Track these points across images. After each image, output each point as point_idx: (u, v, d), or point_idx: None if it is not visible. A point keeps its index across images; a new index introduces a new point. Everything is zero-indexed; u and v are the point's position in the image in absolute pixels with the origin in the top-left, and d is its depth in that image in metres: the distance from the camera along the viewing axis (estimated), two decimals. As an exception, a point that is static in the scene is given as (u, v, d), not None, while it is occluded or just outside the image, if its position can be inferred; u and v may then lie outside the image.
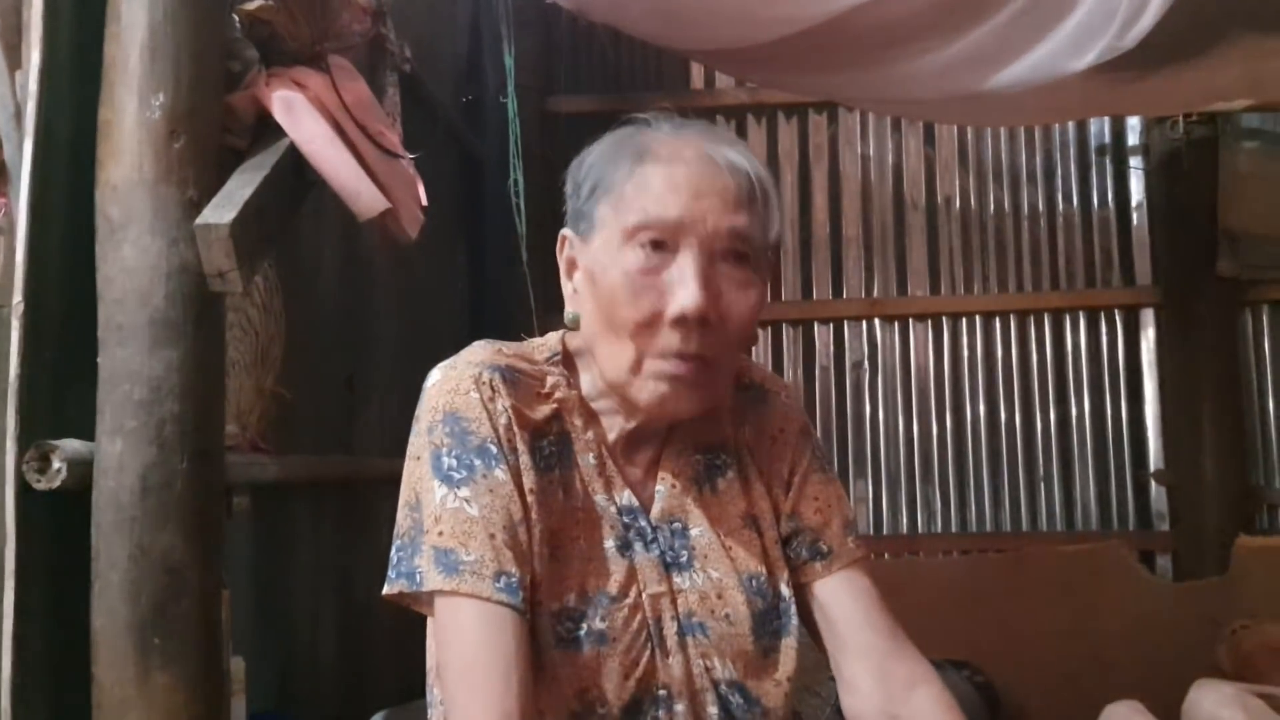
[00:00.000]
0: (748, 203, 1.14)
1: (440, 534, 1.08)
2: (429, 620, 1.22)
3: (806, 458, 1.30)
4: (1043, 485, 4.42)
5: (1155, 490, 4.39)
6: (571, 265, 1.22)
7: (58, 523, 1.68)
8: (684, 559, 1.19)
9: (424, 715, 2.99)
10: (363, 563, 3.01)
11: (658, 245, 1.11)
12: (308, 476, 2.57)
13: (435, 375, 1.17)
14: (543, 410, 1.18)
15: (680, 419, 1.20)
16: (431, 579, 1.07)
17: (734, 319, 1.13)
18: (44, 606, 1.67)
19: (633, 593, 1.15)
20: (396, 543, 1.13)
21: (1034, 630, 3.80)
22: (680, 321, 1.10)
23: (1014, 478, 4.44)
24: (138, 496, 1.63)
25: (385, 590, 1.12)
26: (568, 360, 1.23)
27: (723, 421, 1.28)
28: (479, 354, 1.17)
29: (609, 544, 1.17)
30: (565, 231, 1.23)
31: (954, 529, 4.44)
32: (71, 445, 1.66)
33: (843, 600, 1.24)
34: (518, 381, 1.16)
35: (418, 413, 1.16)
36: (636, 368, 1.13)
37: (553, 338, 1.25)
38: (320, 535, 2.82)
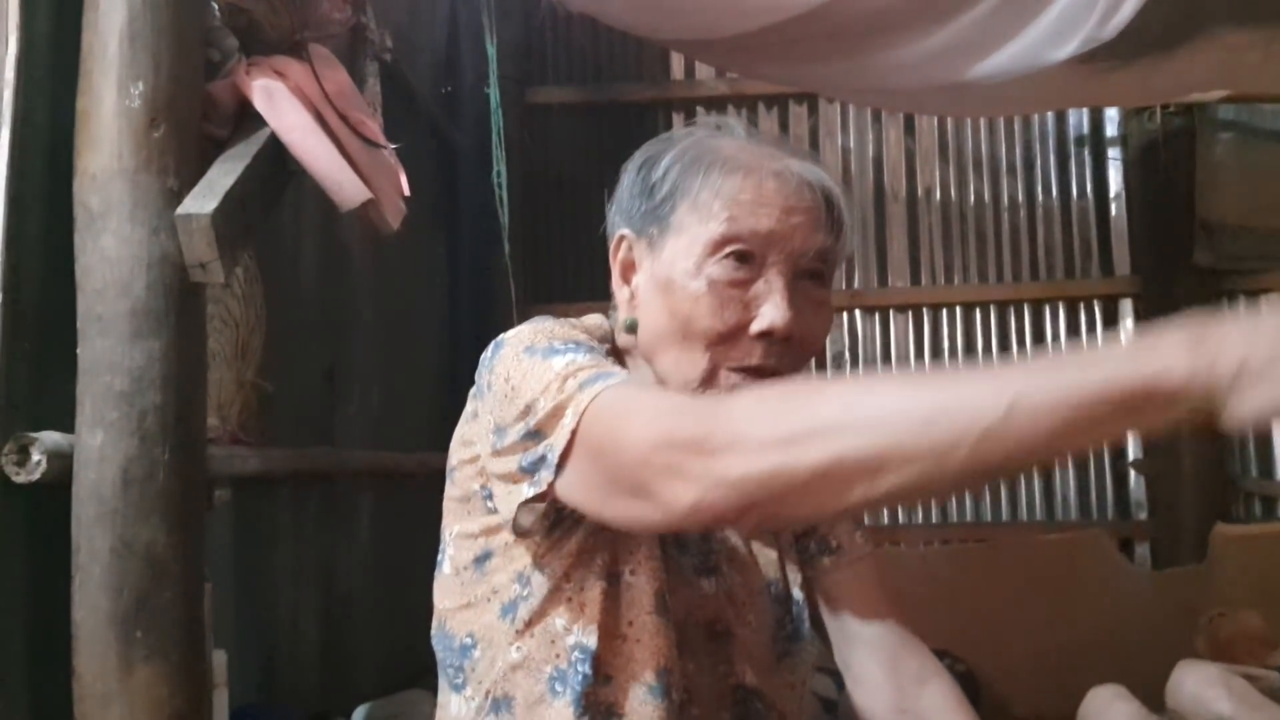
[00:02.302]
0: (832, 224, 1.12)
1: (579, 371, 1.00)
2: (438, 584, 1.20)
3: None
4: (1022, 476, 4.45)
5: (1134, 480, 4.43)
6: (628, 268, 1.17)
7: (37, 516, 1.67)
8: (711, 563, 1.19)
9: (405, 707, 2.98)
10: (344, 554, 3.00)
11: (745, 258, 1.09)
12: (289, 469, 2.56)
13: (507, 336, 1.10)
14: None
15: None
16: (590, 390, 0.97)
17: (812, 338, 1.12)
18: (23, 600, 1.65)
19: (662, 595, 1.13)
20: (523, 451, 1.01)
21: (1014, 619, 3.82)
22: (764, 336, 1.08)
23: (994, 468, 4.46)
24: (119, 489, 1.61)
25: (529, 494, 1.01)
26: (614, 350, 1.19)
27: None
28: (545, 320, 1.12)
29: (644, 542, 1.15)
30: (624, 232, 1.17)
31: (935, 520, 4.47)
32: (51, 437, 1.64)
33: (852, 595, 1.24)
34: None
35: (490, 367, 1.08)
36: (709, 379, 1.10)
37: (601, 323, 1.21)
38: (301, 528, 2.81)
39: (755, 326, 1.08)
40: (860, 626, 1.23)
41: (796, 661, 1.20)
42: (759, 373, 1.09)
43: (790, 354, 1.10)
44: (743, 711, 1.15)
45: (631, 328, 1.16)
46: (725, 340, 1.09)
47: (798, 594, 1.23)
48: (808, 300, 1.11)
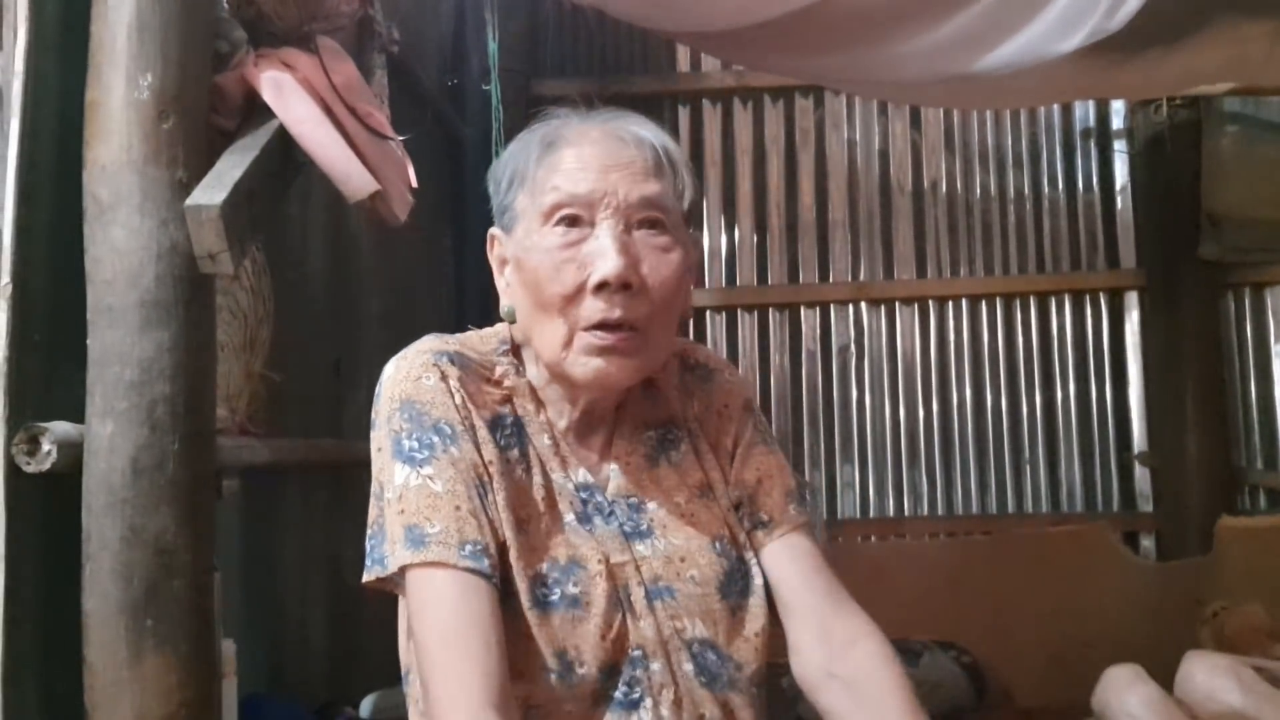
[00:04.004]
0: (656, 171, 1.19)
1: (403, 512, 1.12)
2: (401, 611, 1.26)
3: (749, 431, 1.33)
4: (1028, 468, 4.45)
5: (1139, 472, 4.43)
6: (502, 261, 1.27)
7: (48, 505, 1.67)
8: (644, 528, 1.23)
9: (414, 697, 2.98)
10: (351, 545, 2.99)
11: (575, 221, 1.17)
12: (297, 459, 2.57)
13: (389, 368, 1.21)
14: (494, 394, 1.22)
15: (616, 390, 1.24)
16: (399, 556, 1.11)
17: (657, 284, 1.17)
18: (34, 589, 1.66)
19: (599, 561, 1.18)
20: (369, 531, 1.18)
21: (1019, 611, 3.83)
22: (602, 288, 1.14)
23: (999, 460, 4.47)
24: (129, 478, 1.62)
25: (364, 578, 1.17)
26: (515, 350, 1.27)
27: (671, 399, 1.32)
28: (429, 343, 1.22)
29: (569, 518, 1.21)
30: (492, 231, 1.28)
31: (940, 512, 4.47)
32: (61, 427, 1.65)
33: (783, 565, 1.26)
34: (468, 367, 1.21)
35: (376, 406, 1.20)
36: (568, 343, 1.17)
37: (501, 328, 1.29)
38: (309, 518, 2.82)
39: (591, 280, 1.15)
40: (793, 596, 1.25)
41: (749, 616, 1.22)
42: (605, 326, 1.15)
43: (637, 302, 1.16)
44: (701, 663, 1.19)
45: (510, 315, 1.25)
46: (571, 302, 1.16)
47: (747, 554, 1.26)
48: (647, 248, 1.18)
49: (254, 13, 1.89)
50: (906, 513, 4.48)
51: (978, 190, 4.58)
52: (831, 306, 4.55)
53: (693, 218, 1.24)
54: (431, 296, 3.96)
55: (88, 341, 1.67)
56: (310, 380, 2.82)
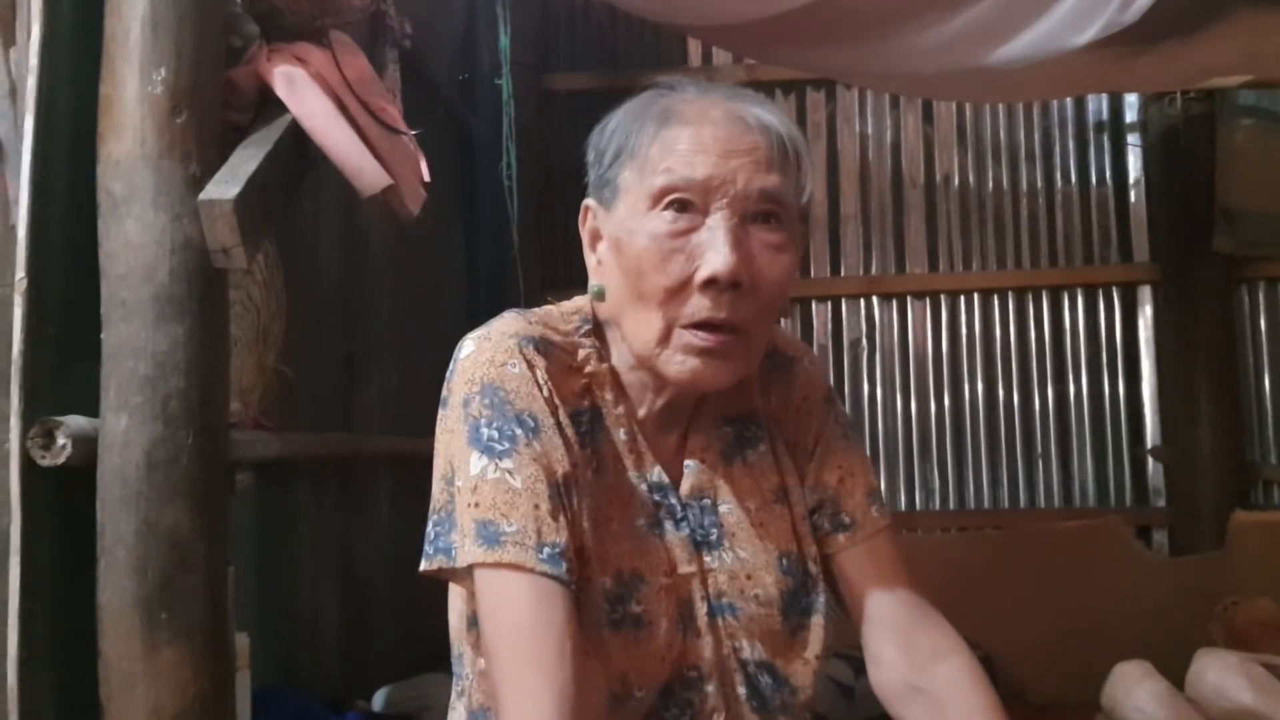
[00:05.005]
0: (779, 162, 1.10)
1: (476, 505, 1.04)
2: (450, 592, 1.22)
3: (830, 425, 1.26)
4: (1040, 462, 4.44)
5: (1152, 466, 4.41)
6: (595, 236, 1.17)
7: (63, 499, 1.68)
8: (713, 537, 1.16)
9: (426, 690, 3.01)
10: (364, 539, 3.02)
11: (686, 207, 1.07)
12: (309, 453, 2.58)
13: (468, 346, 1.12)
14: (576, 383, 1.14)
15: (710, 392, 1.16)
16: (471, 552, 1.03)
17: (766, 283, 1.09)
18: (50, 582, 1.67)
19: (665, 574, 1.12)
20: (433, 518, 1.10)
21: (1032, 606, 3.82)
22: (710, 285, 1.06)
23: (1012, 455, 4.45)
24: (143, 472, 1.63)
25: (423, 566, 1.09)
26: (597, 329, 1.18)
27: (751, 391, 1.24)
28: (513, 324, 1.13)
29: (640, 522, 1.14)
30: (588, 201, 1.18)
31: (952, 506, 4.46)
32: (76, 421, 1.66)
33: (866, 572, 1.20)
34: (551, 354, 1.12)
35: (450, 386, 1.12)
36: (665, 339, 1.09)
37: (581, 303, 1.20)
38: (322, 512, 2.83)
39: (698, 275, 1.06)
40: (874, 603, 1.19)
41: (810, 636, 1.17)
42: (710, 326, 1.07)
43: (744, 302, 1.08)
44: (755, 686, 1.14)
45: (600, 295, 1.16)
46: (675, 296, 1.07)
47: (813, 568, 1.19)
48: (760, 244, 1.09)
49: (267, 7, 1.89)
50: (918, 507, 4.47)
51: (990, 184, 4.57)
52: (843, 300, 4.54)
53: (808, 215, 1.15)
54: (443, 290, 3.97)
55: (102, 336, 1.68)
56: (323, 374, 2.83)
